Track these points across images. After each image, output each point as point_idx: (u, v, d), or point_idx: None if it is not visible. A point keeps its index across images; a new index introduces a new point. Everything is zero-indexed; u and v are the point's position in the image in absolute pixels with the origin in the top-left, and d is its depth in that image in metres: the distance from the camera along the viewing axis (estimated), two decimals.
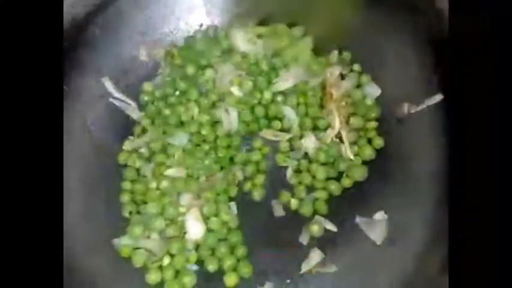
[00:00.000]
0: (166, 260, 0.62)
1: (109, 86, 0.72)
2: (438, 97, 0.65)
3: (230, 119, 0.70)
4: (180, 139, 0.69)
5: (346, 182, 0.67)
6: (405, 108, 0.68)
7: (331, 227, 0.64)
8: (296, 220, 0.65)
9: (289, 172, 0.68)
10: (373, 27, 0.71)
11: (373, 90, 0.72)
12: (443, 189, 0.59)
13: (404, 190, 0.65)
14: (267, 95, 0.72)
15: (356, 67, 0.74)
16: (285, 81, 0.72)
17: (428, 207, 0.61)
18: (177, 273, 0.61)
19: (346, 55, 0.75)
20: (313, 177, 0.68)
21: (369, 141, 0.69)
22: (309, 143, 0.69)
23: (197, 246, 0.63)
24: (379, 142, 0.68)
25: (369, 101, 0.71)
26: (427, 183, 0.62)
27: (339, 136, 0.69)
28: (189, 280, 0.61)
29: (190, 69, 0.75)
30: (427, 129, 0.66)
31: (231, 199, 0.66)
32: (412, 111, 0.67)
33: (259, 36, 0.76)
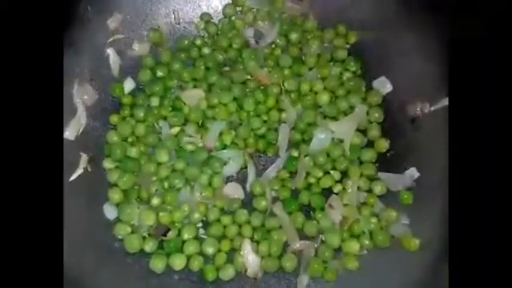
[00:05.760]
0: None
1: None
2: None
3: None
4: None
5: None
6: (418, 107, 0.66)
7: None
8: None
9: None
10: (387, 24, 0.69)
11: (384, 86, 0.69)
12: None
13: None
14: None
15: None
16: None
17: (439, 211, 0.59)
18: None
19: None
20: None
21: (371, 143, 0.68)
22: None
23: None
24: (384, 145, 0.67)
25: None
26: (439, 188, 0.60)
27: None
28: None
29: None
30: (441, 129, 0.62)
31: None
32: (426, 111, 0.65)
33: None
